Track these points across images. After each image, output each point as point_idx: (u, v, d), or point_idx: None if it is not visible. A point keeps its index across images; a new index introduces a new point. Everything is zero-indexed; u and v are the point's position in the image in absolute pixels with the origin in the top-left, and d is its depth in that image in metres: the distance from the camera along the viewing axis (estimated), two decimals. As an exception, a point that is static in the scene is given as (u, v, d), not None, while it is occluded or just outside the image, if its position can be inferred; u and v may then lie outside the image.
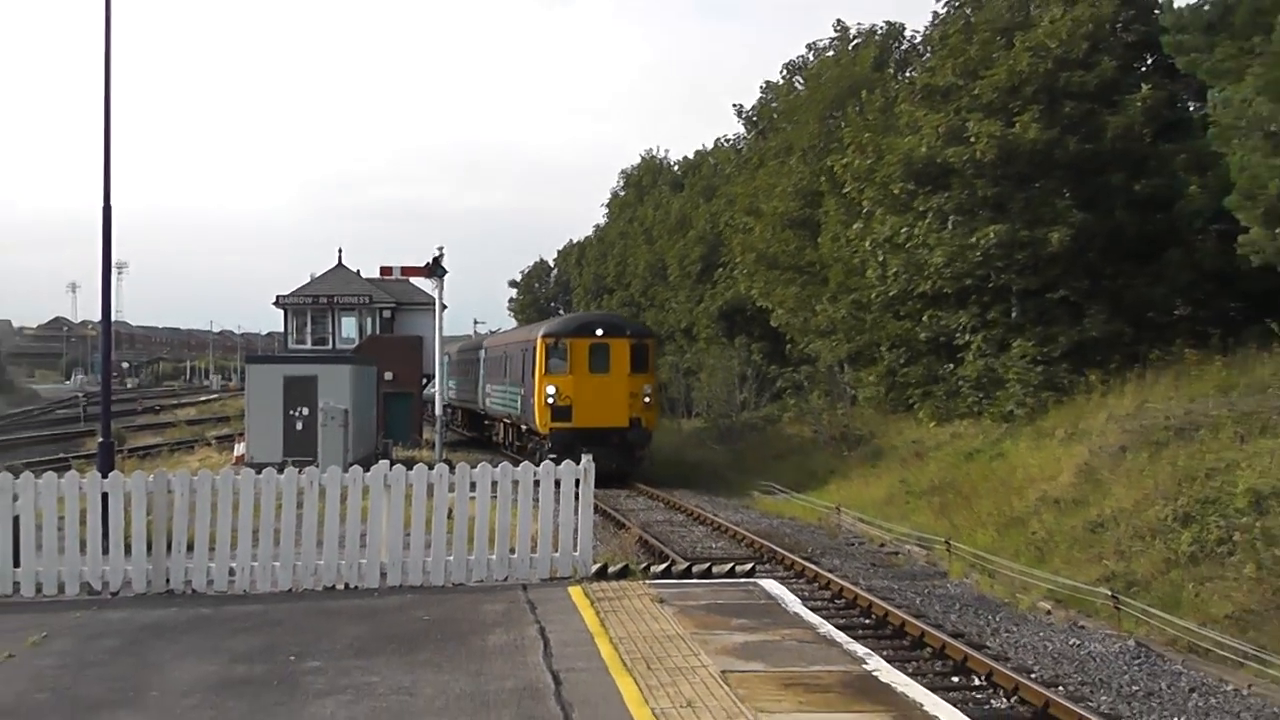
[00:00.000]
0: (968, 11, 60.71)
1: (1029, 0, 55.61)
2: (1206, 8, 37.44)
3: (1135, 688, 23.12)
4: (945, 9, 65.71)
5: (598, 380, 62.17)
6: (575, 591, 20.57)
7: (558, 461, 23.61)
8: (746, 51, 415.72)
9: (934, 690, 15.44)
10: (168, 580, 21.23)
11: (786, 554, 37.02)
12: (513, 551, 21.90)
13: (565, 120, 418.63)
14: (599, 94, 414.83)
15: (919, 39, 76.24)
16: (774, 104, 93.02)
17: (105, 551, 21.25)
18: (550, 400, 61.37)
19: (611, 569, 22.72)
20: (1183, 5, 42.52)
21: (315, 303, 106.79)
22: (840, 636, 17.64)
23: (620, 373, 62.71)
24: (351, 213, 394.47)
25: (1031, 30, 51.40)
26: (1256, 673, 23.34)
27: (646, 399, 63.04)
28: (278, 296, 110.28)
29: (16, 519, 21.02)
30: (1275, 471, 31.99)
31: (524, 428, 69.41)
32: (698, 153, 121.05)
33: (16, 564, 21.00)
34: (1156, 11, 50.68)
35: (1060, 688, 22.22)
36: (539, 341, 63.54)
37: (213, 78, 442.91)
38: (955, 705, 14.68)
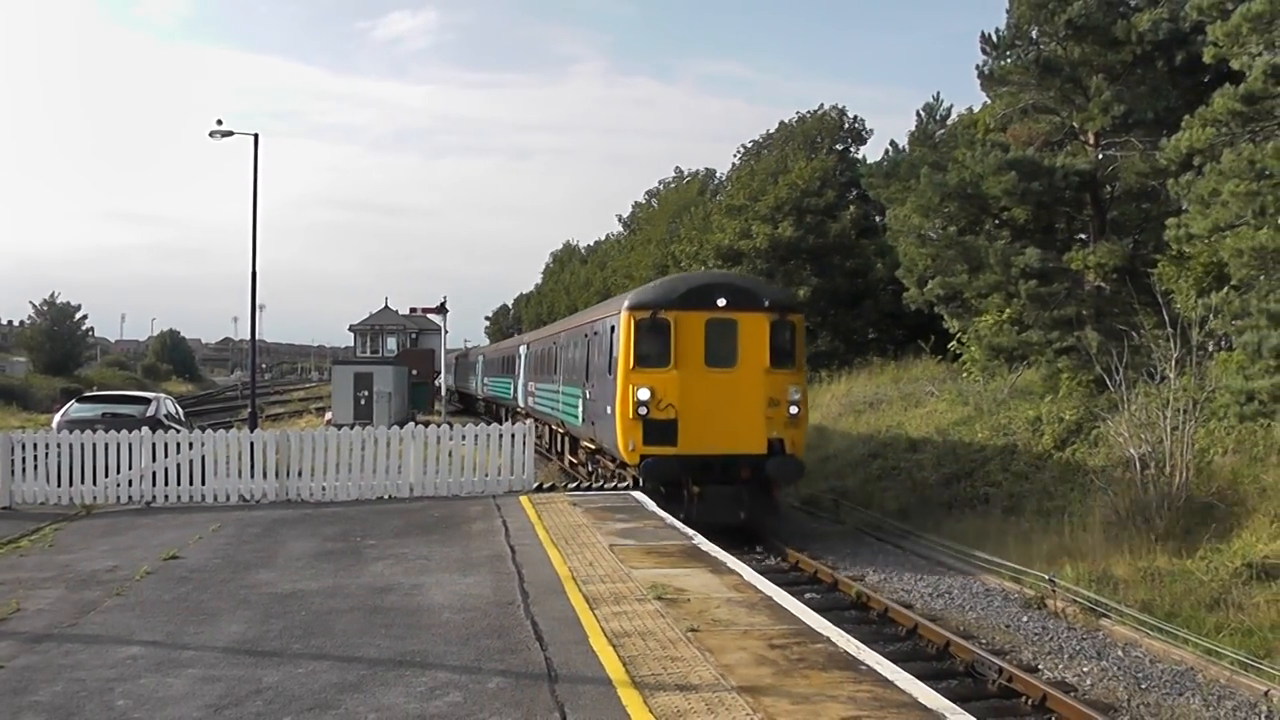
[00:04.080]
0: (752, 162, 61.50)
1: (787, 156, 55.98)
2: (885, 163, 38.00)
3: (846, 549, 23.28)
4: (739, 160, 66.49)
5: (718, 379, 24.24)
6: (524, 499, 20.51)
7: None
8: (627, 183, 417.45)
9: (733, 555, 15.53)
10: (288, 493, 21.16)
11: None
12: (486, 475, 21.87)
13: (523, 221, 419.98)
14: (542, 207, 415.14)
15: (724, 177, 76.48)
16: (640, 215, 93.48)
17: (253, 476, 21.28)
18: (641, 411, 23.90)
19: (545, 485, 22.75)
20: (872, 162, 43.48)
21: (372, 329, 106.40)
22: (679, 525, 17.67)
23: (754, 366, 24.39)
24: (394, 273, 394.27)
25: (788, 174, 51.71)
26: (913, 540, 23.62)
27: (794, 409, 24.53)
28: (350, 325, 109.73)
29: (204, 458, 21.15)
30: (922, 427, 32.39)
31: (589, 445, 29.05)
32: (596, 241, 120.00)
33: (204, 483, 21.09)
34: (858, 164, 51.67)
35: (806, 552, 22.31)
36: (624, 318, 24.68)
37: (319, 201, 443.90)
38: (745, 562, 14.76)
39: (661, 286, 24.79)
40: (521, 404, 45.72)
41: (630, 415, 22.80)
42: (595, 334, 26.85)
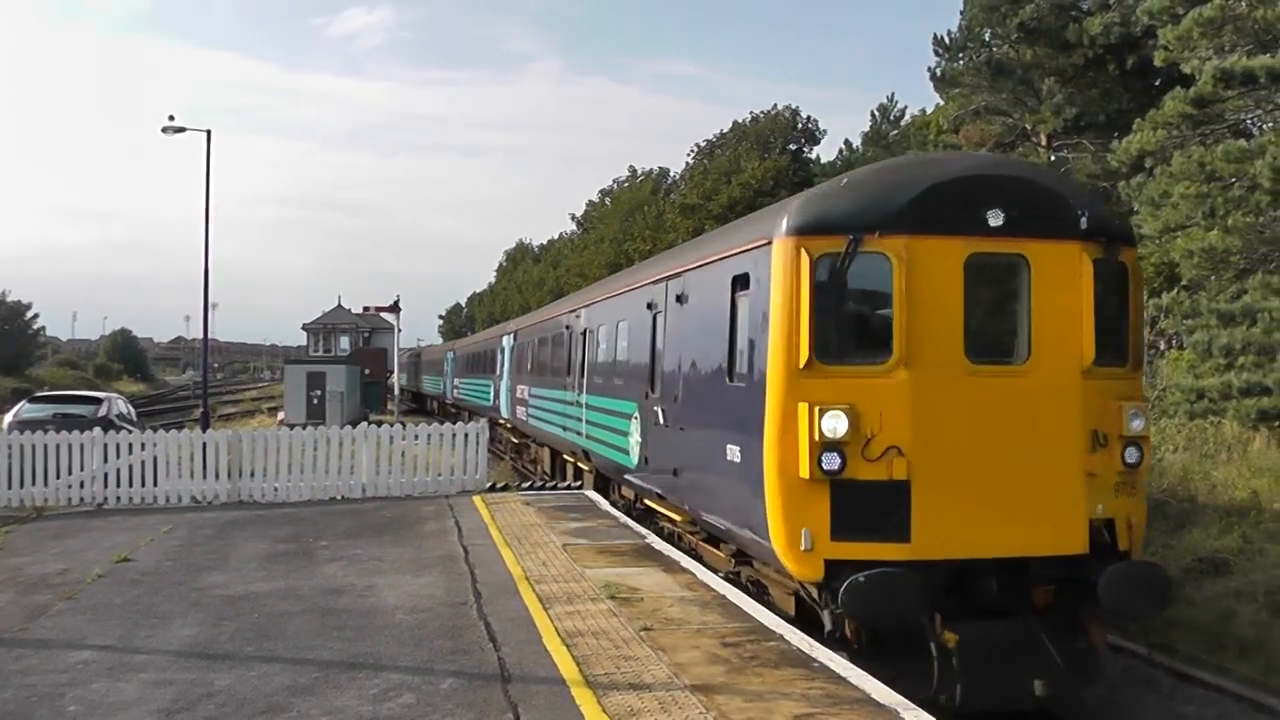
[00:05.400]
0: (705, 161, 61.57)
1: (740, 155, 56.16)
2: (838, 163, 38.39)
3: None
4: (693, 159, 66.58)
5: (991, 391, 10.67)
6: (476, 499, 20.45)
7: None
8: (580, 182, 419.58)
9: (684, 554, 15.54)
10: (240, 494, 21.06)
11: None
12: (439, 475, 21.84)
13: (477, 221, 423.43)
14: (496, 206, 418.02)
15: (678, 175, 76.69)
16: (594, 213, 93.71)
17: (205, 477, 21.16)
18: (829, 463, 10.33)
19: (498, 485, 22.72)
20: (825, 161, 43.80)
21: (325, 328, 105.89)
22: (631, 524, 17.66)
23: (1062, 362, 10.80)
24: (347, 272, 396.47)
25: (741, 173, 51.91)
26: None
27: (1133, 453, 10.98)
28: (303, 324, 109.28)
29: (155, 458, 20.98)
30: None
31: (659, 507, 16.81)
32: (550, 240, 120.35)
33: (156, 484, 20.91)
34: (811, 164, 51.96)
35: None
36: (783, 253, 10.97)
37: (281, 215, 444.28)
38: (697, 561, 14.79)
39: (868, 184, 11.56)
40: (505, 414, 34.52)
41: (804, 472, 10.61)
42: (681, 299, 14.91)
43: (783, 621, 10.99)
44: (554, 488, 23.09)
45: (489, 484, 22.28)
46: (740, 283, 12.46)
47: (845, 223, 10.86)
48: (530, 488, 23.10)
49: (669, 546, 15.42)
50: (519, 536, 16.22)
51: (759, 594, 12.68)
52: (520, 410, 31.13)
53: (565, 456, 25.08)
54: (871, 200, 11.07)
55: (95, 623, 11.40)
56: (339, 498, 21.25)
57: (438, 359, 68.73)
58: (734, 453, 12.08)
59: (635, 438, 17.13)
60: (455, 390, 55.13)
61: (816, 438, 10.48)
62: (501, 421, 36.05)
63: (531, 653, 9.84)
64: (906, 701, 8.44)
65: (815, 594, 10.99)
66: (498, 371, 37.00)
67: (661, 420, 15.42)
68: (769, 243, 11.43)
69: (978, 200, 10.97)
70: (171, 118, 35.98)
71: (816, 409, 10.50)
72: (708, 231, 29.97)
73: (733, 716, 8.06)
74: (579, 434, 22.30)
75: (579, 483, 23.16)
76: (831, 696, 8.51)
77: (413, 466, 21.90)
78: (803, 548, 10.61)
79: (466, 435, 22.13)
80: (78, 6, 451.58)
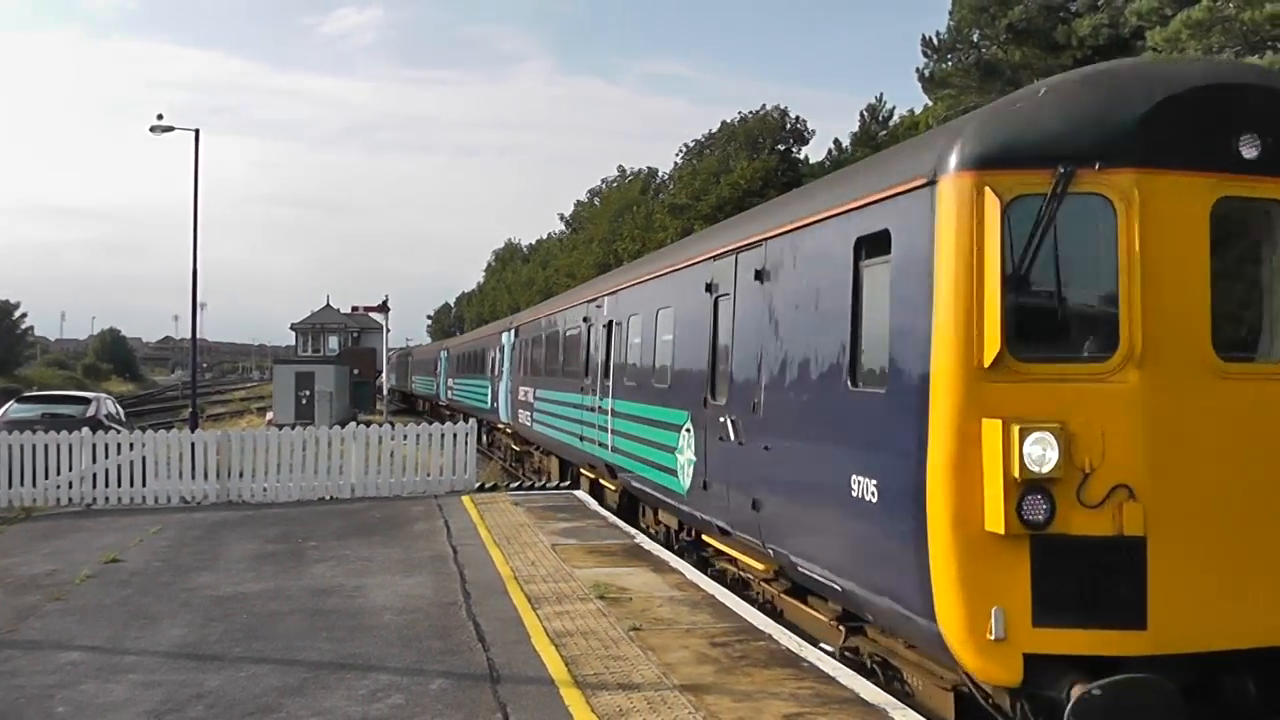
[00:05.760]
0: (694, 162, 61.59)
1: (729, 156, 56.17)
2: (827, 163, 38.40)
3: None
4: (682, 159, 66.63)
5: (1239, 397, 7.08)
6: (465, 499, 20.48)
7: None
8: (568, 182, 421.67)
9: (674, 553, 15.55)
10: (229, 494, 21.05)
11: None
12: (428, 475, 21.85)
13: (466, 221, 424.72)
14: (486, 206, 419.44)
15: (666, 176, 76.75)
16: (583, 213, 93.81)
17: (194, 477, 21.18)
18: (1034, 510, 6.82)
19: (487, 485, 22.73)
20: (814, 162, 43.84)
21: (314, 327, 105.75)
22: (621, 524, 17.68)
23: None
24: (336, 272, 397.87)
25: (730, 174, 51.89)
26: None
27: None
28: (292, 324, 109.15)
29: (144, 459, 20.98)
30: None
31: (725, 548, 12.85)
32: (539, 240, 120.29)
33: (145, 484, 20.92)
34: (800, 164, 51.95)
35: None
36: (955, 192, 7.33)
37: (281, 223, 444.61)
38: (685, 561, 14.81)
39: (1078, 93, 7.74)
40: (505, 417, 31.87)
41: (995, 524, 7.09)
42: (762, 275, 11.08)
43: (772, 621, 10.98)
44: (543, 487, 23.10)
45: (478, 484, 22.29)
46: (870, 246, 8.81)
47: (1050, 149, 7.36)
48: (519, 488, 23.10)
49: (659, 547, 15.41)
50: (508, 536, 16.23)
51: (888, 681, 9.25)
52: (523, 414, 27.87)
53: (583, 471, 21.83)
54: (1086, 116, 7.50)
55: (84, 624, 11.39)
56: (328, 498, 21.24)
57: (430, 358, 65.22)
58: (865, 487, 8.45)
59: (687, 455, 13.50)
60: (450, 391, 51.07)
61: (1016, 473, 7.02)
62: (501, 426, 33.48)
63: (520, 653, 9.85)
64: (895, 701, 8.45)
65: (1008, 703, 7.59)
66: (496, 371, 33.72)
67: (731, 435, 11.72)
68: (929, 183, 7.85)
69: (1225, 121, 7.46)
70: (160, 116, 35.79)
71: (1015, 428, 7.04)
72: (698, 231, 27.81)
73: (722, 716, 8.08)
74: (603, 445, 18.61)
75: (567, 482, 23.12)
76: (821, 696, 8.52)
77: (402, 467, 21.92)
78: (992, 636, 7.12)
79: (455, 435, 22.14)
80: (70, 6, 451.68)
